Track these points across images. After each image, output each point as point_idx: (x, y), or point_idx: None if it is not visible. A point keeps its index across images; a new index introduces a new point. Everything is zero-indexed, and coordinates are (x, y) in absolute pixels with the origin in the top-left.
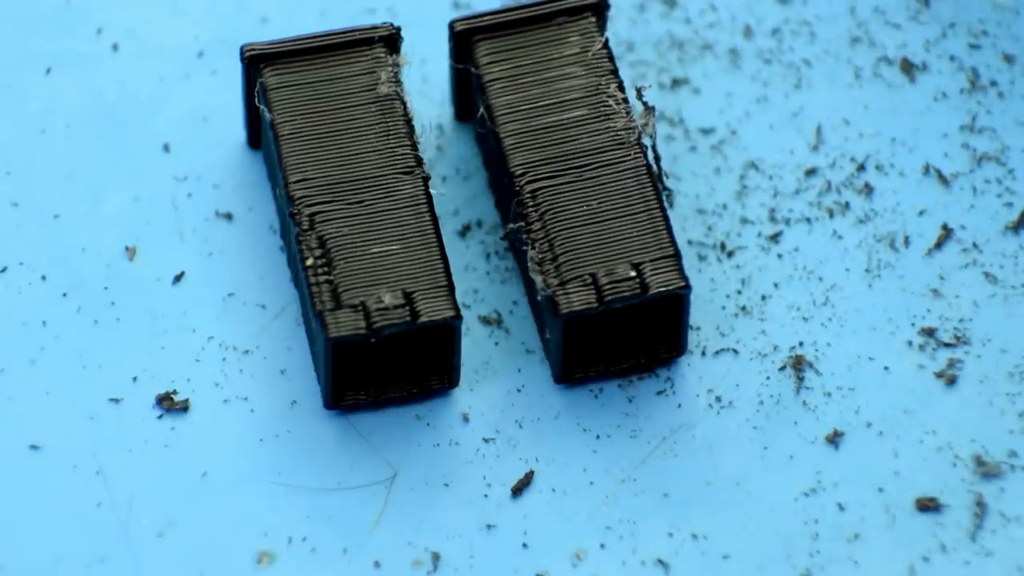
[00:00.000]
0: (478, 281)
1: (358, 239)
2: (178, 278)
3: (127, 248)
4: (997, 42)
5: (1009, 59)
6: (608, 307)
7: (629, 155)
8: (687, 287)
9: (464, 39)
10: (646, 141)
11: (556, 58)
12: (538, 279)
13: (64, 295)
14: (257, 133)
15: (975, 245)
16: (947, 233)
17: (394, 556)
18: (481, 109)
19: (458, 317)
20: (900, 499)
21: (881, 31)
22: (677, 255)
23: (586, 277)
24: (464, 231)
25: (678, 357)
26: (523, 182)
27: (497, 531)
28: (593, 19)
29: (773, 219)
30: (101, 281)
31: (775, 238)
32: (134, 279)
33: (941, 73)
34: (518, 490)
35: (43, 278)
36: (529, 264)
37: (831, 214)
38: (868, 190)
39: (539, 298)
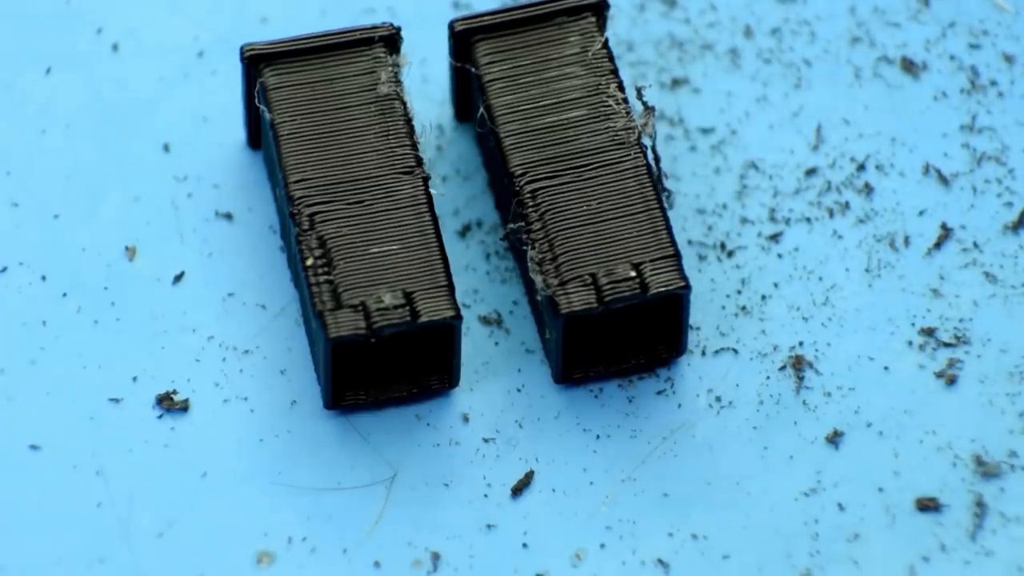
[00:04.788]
0: (478, 281)
1: (358, 239)
2: (178, 278)
3: (127, 248)
4: (997, 42)
5: (1009, 59)
6: (608, 307)
7: (629, 155)
8: (687, 287)
9: (464, 39)
10: (646, 141)
11: (556, 58)
12: (538, 279)
13: (64, 295)
14: (257, 133)
15: (975, 245)
16: (947, 233)
17: (394, 556)
18: (481, 109)
19: (458, 317)
20: (900, 499)
21: (881, 31)
22: (677, 255)
23: (586, 277)
24: (464, 231)
25: (678, 357)
26: (523, 182)
27: (497, 531)
28: (593, 19)
29: (773, 219)
30: (101, 281)
31: (775, 238)
32: (134, 279)
33: (941, 73)
34: (518, 490)
35: (43, 278)
36: (529, 264)
37: (831, 214)
38: (868, 190)
39: (539, 298)
